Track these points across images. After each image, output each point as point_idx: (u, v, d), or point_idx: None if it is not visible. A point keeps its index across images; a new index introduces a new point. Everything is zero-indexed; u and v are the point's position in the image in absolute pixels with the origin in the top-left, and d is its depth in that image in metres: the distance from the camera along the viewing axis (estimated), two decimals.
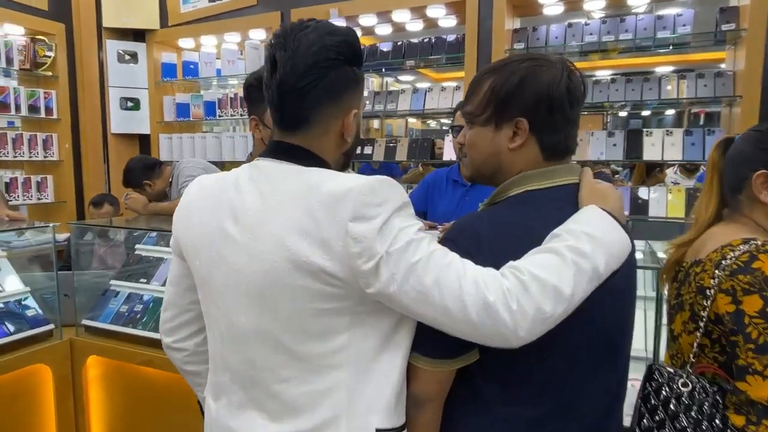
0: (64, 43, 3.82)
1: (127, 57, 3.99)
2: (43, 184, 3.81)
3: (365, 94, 4.34)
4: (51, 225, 2.44)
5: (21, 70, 3.64)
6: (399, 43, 3.34)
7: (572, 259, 0.83)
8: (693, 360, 1.12)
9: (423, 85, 8.06)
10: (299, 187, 0.88)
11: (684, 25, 2.62)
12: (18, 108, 3.60)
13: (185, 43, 4.03)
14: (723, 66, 2.88)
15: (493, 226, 0.94)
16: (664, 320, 1.67)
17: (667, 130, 2.69)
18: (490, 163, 1.05)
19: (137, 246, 2.71)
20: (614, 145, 2.78)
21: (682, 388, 1.09)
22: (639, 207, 2.74)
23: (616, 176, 5.11)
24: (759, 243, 1.04)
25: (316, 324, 0.89)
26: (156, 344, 2.28)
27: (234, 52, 3.76)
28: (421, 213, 2.33)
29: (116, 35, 3.96)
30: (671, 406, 1.10)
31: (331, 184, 0.86)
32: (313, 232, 0.85)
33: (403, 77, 7.54)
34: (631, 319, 1.09)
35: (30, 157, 3.72)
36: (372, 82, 6.98)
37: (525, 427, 0.95)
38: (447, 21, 3.27)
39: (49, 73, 3.80)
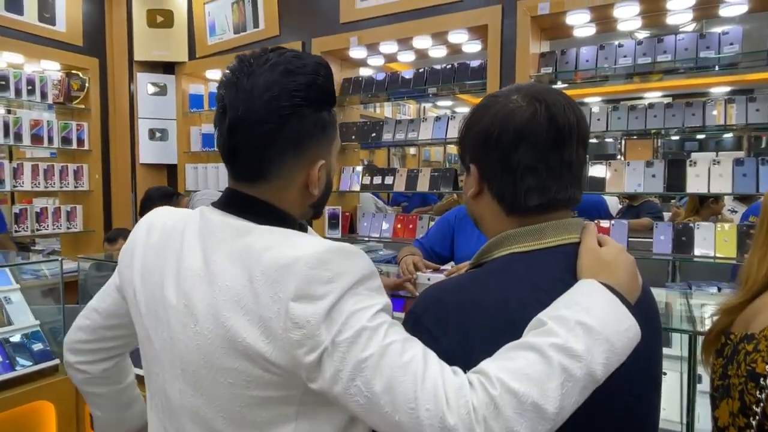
0: (97, 77, 3.93)
1: (157, 89, 4.06)
2: (73, 214, 3.89)
3: (397, 118, 4.25)
4: (60, 258, 2.42)
5: (55, 103, 3.76)
6: (421, 70, 3.22)
7: (560, 364, 0.64)
8: None
9: (462, 110, 7.94)
10: (243, 252, 0.74)
11: (731, 44, 2.37)
12: (51, 140, 3.70)
13: (212, 74, 4.07)
14: None
15: (462, 304, 0.76)
16: (700, 386, 1.42)
17: (714, 160, 2.42)
18: (468, 210, 0.91)
19: None
20: (653, 176, 2.52)
21: None
22: (683, 245, 2.46)
23: (672, 201, 4.75)
24: None
25: (255, 414, 0.74)
26: None
27: None
28: (437, 254, 2.14)
29: (147, 68, 4.05)
30: None
31: (277, 252, 0.72)
32: (252, 308, 0.71)
33: (441, 102, 7.45)
34: (651, 398, 0.88)
35: (61, 187, 3.81)
36: (408, 108, 6.93)
37: None
38: (471, 46, 3.13)
39: (82, 106, 3.91)
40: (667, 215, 3.95)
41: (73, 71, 3.88)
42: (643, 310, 0.79)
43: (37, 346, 2.38)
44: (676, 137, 5.71)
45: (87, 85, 3.90)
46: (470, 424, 0.62)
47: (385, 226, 3.36)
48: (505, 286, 0.77)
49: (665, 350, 1.47)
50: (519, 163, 0.78)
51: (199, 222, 0.82)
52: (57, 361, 2.36)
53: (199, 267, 0.77)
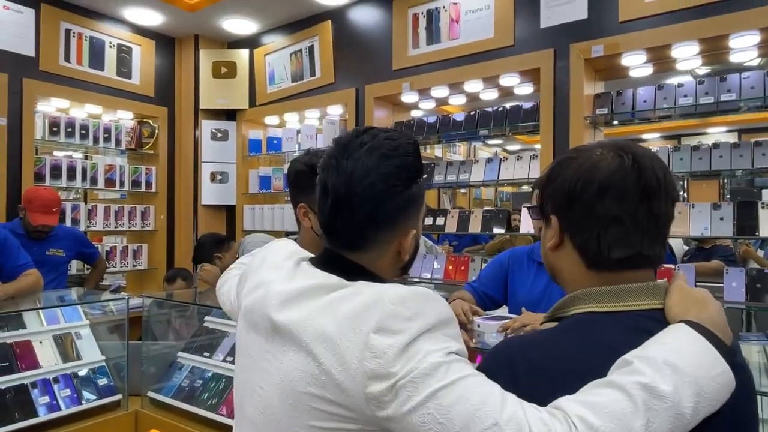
0: (166, 124, 4.22)
1: (219, 134, 4.30)
2: (139, 252, 4.10)
3: (448, 159, 4.25)
4: (126, 297, 2.55)
5: (128, 149, 4.05)
6: (472, 113, 3.25)
7: (645, 403, 0.62)
8: None
9: (513, 147, 7.84)
10: (336, 298, 0.79)
11: None
12: (123, 183, 3.97)
13: (270, 120, 4.27)
14: None
15: (534, 366, 0.74)
16: None
17: None
18: (546, 262, 0.90)
19: (206, 318, 2.74)
20: (721, 218, 2.39)
21: None
22: (757, 292, 2.30)
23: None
24: None
25: None
26: (208, 423, 2.23)
27: (312, 128, 3.91)
28: (489, 297, 2.09)
29: (210, 115, 4.31)
30: None
31: (363, 296, 0.76)
32: (333, 338, 0.74)
33: (491, 141, 7.43)
34: None
35: (130, 227, 4.04)
36: (459, 148, 6.95)
37: None
38: (523, 88, 3.14)
39: (151, 152, 4.19)
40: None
41: (145, 120, 4.18)
42: (738, 367, 0.74)
43: (102, 381, 2.49)
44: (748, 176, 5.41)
45: (156, 132, 4.19)
46: None
47: (436, 266, 3.34)
48: (583, 346, 0.74)
49: None
50: (604, 214, 0.76)
51: (306, 271, 0.87)
52: (119, 396, 2.45)
53: (298, 314, 0.81)
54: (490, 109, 3.19)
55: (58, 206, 3.13)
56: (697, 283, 2.50)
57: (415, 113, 3.87)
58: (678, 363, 0.64)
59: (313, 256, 0.93)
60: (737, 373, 0.72)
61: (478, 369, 0.78)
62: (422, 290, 0.76)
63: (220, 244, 3.08)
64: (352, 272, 0.84)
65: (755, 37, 2.30)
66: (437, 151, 5.92)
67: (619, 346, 0.70)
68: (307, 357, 0.75)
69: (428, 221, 3.37)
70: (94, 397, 2.40)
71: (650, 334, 0.70)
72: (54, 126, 3.61)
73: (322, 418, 0.75)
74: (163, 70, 4.25)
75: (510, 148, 7.71)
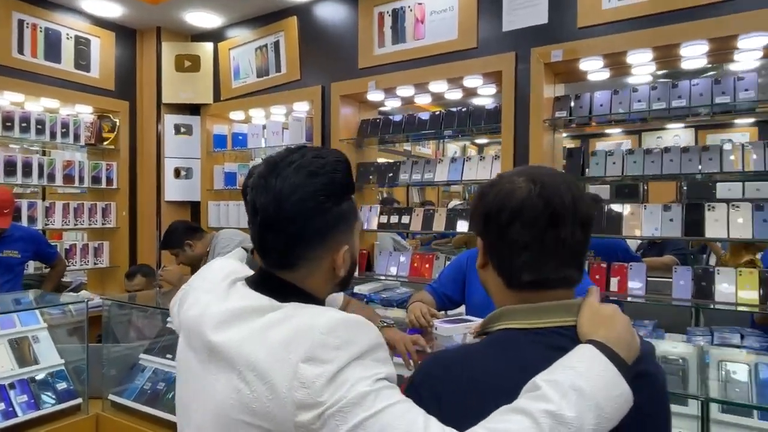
0: (127, 119, 4.12)
1: (183, 129, 4.22)
2: (100, 250, 4.02)
3: (415, 155, 4.26)
4: (85, 299, 2.51)
5: (87, 145, 3.93)
6: (437, 113, 3.29)
7: (550, 429, 0.67)
8: None
9: (481, 141, 7.94)
10: (268, 323, 0.80)
11: (747, 90, 2.37)
12: (82, 179, 3.86)
13: (236, 115, 4.21)
14: None
15: (458, 380, 0.80)
16: None
17: (734, 204, 2.40)
18: (480, 278, 0.95)
19: (169, 319, 2.71)
20: (671, 220, 2.50)
21: None
22: (703, 290, 2.42)
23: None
24: None
25: None
26: (172, 426, 2.22)
27: (278, 124, 3.88)
28: (449, 298, 2.14)
29: (174, 110, 4.22)
30: None
31: (294, 321, 0.78)
32: (265, 371, 0.75)
33: (461, 138, 7.51)
34: None
35: (90, 224, 3.95)
36: (428, 143, 6.98)
37: None
38: (487, 89, 3.19)
39: (112, 147, 4.08)
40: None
41: (105, 114, 4.06)
42: (645, 376, 0.81)
43: (61, 385, 2.44)
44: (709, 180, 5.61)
45: (117, 126, 4.08)
46: None
47: (402, 264, 3.39)
48: (504, 361, 0.80)
49: (682, 409, 1.45)
50: (515, 240, 0.82)
51: (242, 293, 0.89)
52: (80, 400, 2.42)
53: (234, 335, 0.82)
54: (454, 110, 3.24)
55: (11, 207, 3.02)
56: (649, 278, 2.62)
57: (384, 108, 3.87)
58: (583, 387, 0.69)
59: (251, 274, 0.94)
60: (645, 379, 0.79)
61: (409, 381, 0.83)
62: (352, 317, 0.78)
63: (192, 231, 3.02)
64: (283, 292, 0.85)
65: (704, 47, 2.40)
66: (407, 145, 5.96)
67: (537, 363, 0.75)
68: (240, 383, 0.77)
69: (394, 219, 3.41)
70: (53, 402, 2.36)
71: (564, 351, 0.76)
72: (8, 121, 3.48)
73: None
74: (123, 62, 4.13)
75: (478, 141, 7.83)
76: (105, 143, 4.06)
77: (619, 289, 2.62)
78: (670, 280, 2.54)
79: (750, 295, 2.33)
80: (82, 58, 3.86)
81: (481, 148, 8.04)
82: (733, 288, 2.37)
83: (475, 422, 0.71)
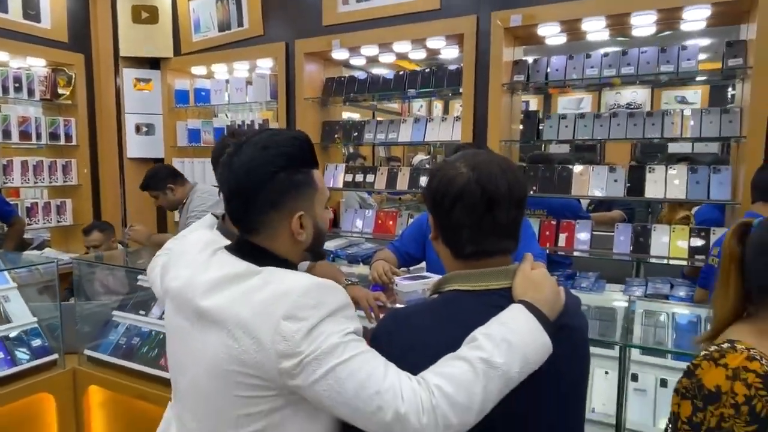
0: (83, 73, 3.98)
1: (143, 84, 4.12)
2: (63, 208, 3.98)
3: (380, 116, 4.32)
4: (55, 260, 2.55)
5: (42, 99, 3.81)
6: (401, 73, 3.34)
7: (484, 372, 0.84)
8: None
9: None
10: (251, 287, 0.93)
11: (689, 60, 2.53)
12: (39, 136, 3.77)
13: (197, 70, 4.13)
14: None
15: (412, 333, 0.95)
16: (636, 384, 1.62)
17: (671, 167, 2.60)
18: (434, 248, 1.07)
19: (139, 277, 2.79)
20: (615, 180, 2.70)
21: None
22: (641, 245, 2.66)
23: None
24: (726, 347, 0.94)
25: (236, 408, 0.93)
26: (149, 378, 2.35)
27: (242, 81, 3.84)
28: (410, 256, 2.30)
29: (132, 63, 4.10)
30: None
31: (274, 285, 0.91)
32: (251, 327, 0.89)
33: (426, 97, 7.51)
34: (576, 401, 1.06)
35: (51, 182, 3.89)
36: (421, 105, 6.91)
37: None
38: (450, 51, 3.25)
39: (69, 102, 3.96)
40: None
41: (60, 67, 3.92)
42: (567, 329, 0.97)
43: (36, 342, 2.52)
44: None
45: (73, 80, 3.95)
46: (418, 414, 0.82)
47: (367, 221, 3.52)
48: (449, 317, 0.95)
49: (608, 352, 1.67)
50: (457, 221, 0.95)
51: (220, 258, 1.01)
52: (56, 356, 2.51)
53: (219, 300, 0.94)
54: (418, 69, 3.30)
55: None
56: (594, 232, 2.84)
57: (350, 68, 3.87)
58: (511, 339, 0.86)
59: (228, 243, 1.06)
60: (566, 332, 0.96)
61: (372, 333, 0.98)
62: (323, 282, 0.92)
63: (174, 176, 3.00)
64: (258, 257, 0.98)
65: (652, 16, 2.53)
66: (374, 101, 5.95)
67: (478, 318, 0.91)
68: (229, 339, 0.90)
69: (359, 177, 3.51)
70: (28, 358, 2.44)
71: (501, 309, 0.92)
72: None
73: (245, 389, 0.91)
74: (76, 13, 3.95)
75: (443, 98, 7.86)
76: (61, 98, 3.93)
77: (567, 245, 2.84)
78: (612, 234, 2.77)
79: (681, 249, 2.58)
80: (30, 8, 3.67)
81: (447, 103, 8.09)
82: (667, 243, 2.61)
83: (425, 368, 0.87)
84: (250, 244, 1.01)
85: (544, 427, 0.98)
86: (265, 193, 0.97)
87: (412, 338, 0.95)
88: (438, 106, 7.96)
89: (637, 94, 5.96)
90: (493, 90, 2.86)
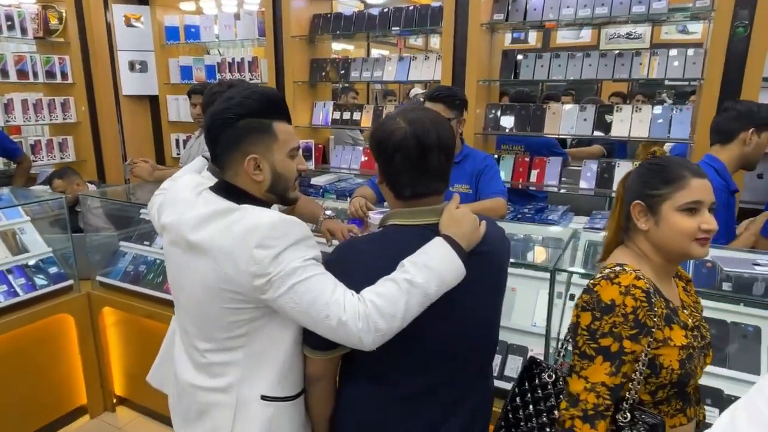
0: (73, 9, 4.01)
1: (133, 20, 4.16)
2: (65, 145, 4.16)
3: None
4: (63, 196, 2.78)
5: (36, 38, 3.88)
6: (386, 10, 3.38)
7: (407, 290, 1.07)
8: (559, 358, 1.33)
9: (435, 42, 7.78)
10: (231, 222, 1.15)
11: (659, 0, 2.60)
12: (36, 74, 3.87)
13: (186, 6, 4.15)
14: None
15: (359, 259, 1.19)
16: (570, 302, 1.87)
17: (637, 107, 2.74)
18: (381, 190, 1.28)
19: (142, 211, 3.03)
20: (585, 120, 2.85)
21: (547, 379, 1.31)
22: (604, 181, 2.85)
23: None
24: (618, 269, 1.17)
25: (225, 317, 1.19)
26: (155, 300, 2.65)
27: (230, 17, 3.88)
28: None
29: None
30: (537, 392, 1.32)
31: (248, 220, 1.14)
32: (231, 254, 1.12)
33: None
34: (491, 312, 1.30)
35: (51, 120, 4.04)
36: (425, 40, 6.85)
37: (386, 402, 1.22)
38: None
39: (62, 40, 4.03)
40: None
41: (50, 4, 3.94)
42: (485, 254, 1.21)
43: (53, 269, 2.80)
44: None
45: (64, 17, 3.99)
46: (355, 321, 1.06)
47: (355, 158, 3.70)
48: (390, 244, 1.18)
49: (547, 275, 1.89)
50: (397, 168, 1.15)
51: (205, 198, 1.23)
52: (71, 282, 2.80)
53: (209, 233, 1.17)
54: (402, 6, 3.34)
55: None
56: (572, 167, 3.02)
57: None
58: (431, 264, 1.09)
59: (213, 183, 1.27)
60: (480, 256, 1.19)
61: (328, 257, 1.21)
62: (288, 218, 1.14)
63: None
64: (235, 194, 1.20)
65: None
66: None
67: (411, 248, 1.14)
68: (215, 265, 1.14)
69: (346, 116, 3.66)
70: (47, 283, 2.73)
71: (428, 240, 1.14)
72: None
73: (229, 302, 1.16)
74: None
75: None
76: (54, 36, 3.99)
77: (538, 180, 3.04)
78: (580, 168, 2.96)
79: None
80: None
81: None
82: None
83: (367, 286, 1.10)
84: (227, 183, 1.23)
85: (462, 324, 1.23)
86: (226, 136, 1.19)
87: (357, 262, 1.18)
88: (435, 40, 7.85)
89: (636, 25, 5.89)
90: (472, 29, 2.94)
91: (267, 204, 1.25)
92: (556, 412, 1.25)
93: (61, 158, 4.15)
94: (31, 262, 2.75)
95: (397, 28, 3.37)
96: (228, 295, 1.15)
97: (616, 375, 1.11)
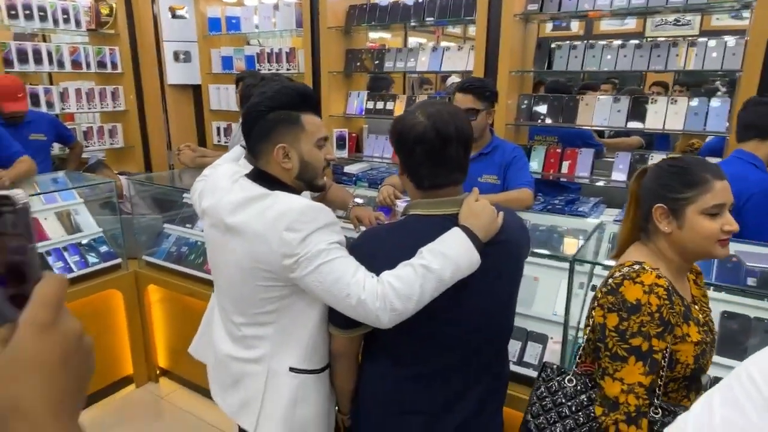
0: (123, 2, 4.21)
1: (178, 12, 4.33)
2: (114, 132, 4.39)
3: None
4: (112, 181, 2.97)
5: (88, 30, 4.10)
6: (421, 1, 3.41)
7: (423, 274, 1.15)
8: (578, 360, 1.32)
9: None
10: (264, 207, 1.26)
11: None
12: (88, 65, 4.10)
13: None
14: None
15: (382, 245, 1.27)
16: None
17: (672, 99, 2.70)
18: (401, 182, 1.35)
19: (184, 195, 3.20)
20: (618, 111, 2.82)
21: (567, 384, 1.30)
22: None
23: None
24: (638, 268, 1.18)
25: (257, 294, 1.30)
26: (196, 279, 2.82)
27: (269, 8, 3.99)
28: None
29: None
30: (558, 398, 1.30)
31: (279, 205, 1.25)
32: (264, 237, 1.23)
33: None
34: (506, 299, 1.35)
35: (102, 108, 4.27)
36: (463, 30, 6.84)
37: (401, 379, 1.30)
38: None
39: (112, 31, 4.24)
40: None
41: None
42: (502, 243, 1.26)
43: (103, 248, 3.01)
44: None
45: (115, 10, 4.20)
46: (373, 300, 1.15)
47: (387, 147, 3.77)
48: (411, 233, 1.25)
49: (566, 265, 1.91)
50: (416, 160, 1.22)
51: (242, 185, 1.34)
52: (120, 260, 3.00)
53: (243, 217, 1.28)
54: None
55: (23, 91, 3.22)
56: (607, 159, 2.99)
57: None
58: (447, 252, 1.16)
59: (249, 170, 1.37)
60: (501, 244, 1.24)
61: (351, 243, 1.30)
62: (316, 204, 1.24)
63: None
64: (268, 181, 1.31)
65: None
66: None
67: (431, 236, 1.20)
68: (249, 245, 1.25)
69: (380, 105, 3.72)
70: (98, 261, 2.94)
71: (447, 230, 1.20)
72: (11, 9, 3.64)
73: (262, 280, 1.27)
74: None
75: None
76: (104, 28, 4.21)
77: (569, 171, 3.03)
78: (612, 160, 2.94)
79: None
80: None
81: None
82: None
83: (385, 269, 1.18)
84: (260, 171, 1.33)
85: (478, 311, 1.29)
86: (258, 127, 1.30)
87: (379, 249, 1.26)
88: (473, 28, 7.77)
89: (684, 17, 5.68)
90: (506, 19, 2.95)
91: (297, 191, 1.35)
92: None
93: (111, 144, 4.39)
94: (84, 241, 2.97)
95: (432, 18, 3.40)
96: (260, 274, 1.26)
97: (651, 374, 1.13)
